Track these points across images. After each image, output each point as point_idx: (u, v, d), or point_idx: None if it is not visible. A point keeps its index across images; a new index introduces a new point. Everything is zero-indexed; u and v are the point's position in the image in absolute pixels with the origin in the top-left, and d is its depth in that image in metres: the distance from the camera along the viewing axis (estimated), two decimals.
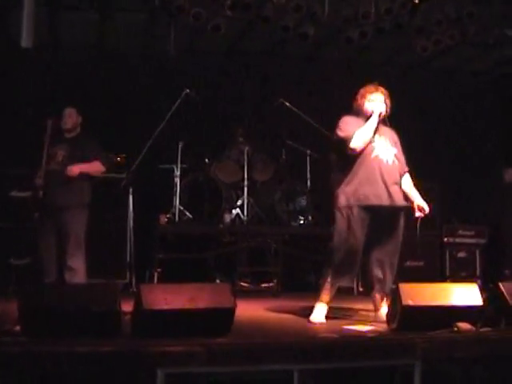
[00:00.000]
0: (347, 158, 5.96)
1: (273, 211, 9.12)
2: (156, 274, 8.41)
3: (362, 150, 5.91)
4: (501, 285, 5.55)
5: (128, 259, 8.63)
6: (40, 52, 8.88)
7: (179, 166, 8.93)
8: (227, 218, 8.95)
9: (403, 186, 6.14)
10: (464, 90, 11.13)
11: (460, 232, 9.81)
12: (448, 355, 4.74)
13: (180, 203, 8.85)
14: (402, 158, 6.18)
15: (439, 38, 8.83)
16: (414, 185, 6.29)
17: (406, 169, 6.24)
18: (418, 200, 6.18)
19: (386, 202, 5.89)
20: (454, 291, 5.39)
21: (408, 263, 9.43)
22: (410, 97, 10.81)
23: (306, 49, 9.97)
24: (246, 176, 9.04)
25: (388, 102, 6.13)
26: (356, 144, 5.87)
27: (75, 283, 6.53)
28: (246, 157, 9.08)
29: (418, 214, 6.16)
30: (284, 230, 9.10)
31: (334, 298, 6.25)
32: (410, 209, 6.12)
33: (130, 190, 8.71)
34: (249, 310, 6.63)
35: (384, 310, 5.95)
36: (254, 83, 10.10)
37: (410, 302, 5.18)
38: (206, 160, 9.24)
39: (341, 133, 5.99)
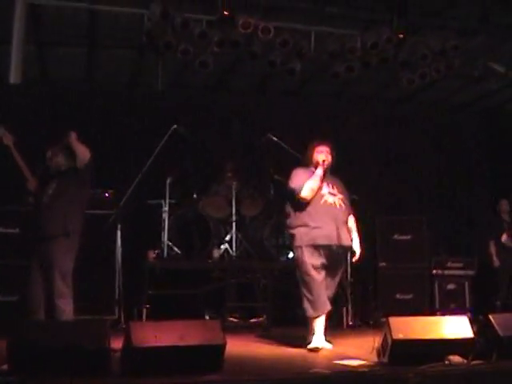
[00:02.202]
0: (300, 204, 6.72)
1: (262, 246, 9.10)
2: (145, 310, 8.35)
3: (313, 197, 6.66)
4: (491, 317, 5.55)
5: (117, 295, 8.57)
6: (28, 87, 8.90)
7: (167, 201, 8.92)
8: (216, 253, 8.93)
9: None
10: (450, 123, 11.22)
11: (449, 264, 9.83)
12: None
13: (168, 239, 8.82)
14: (347, 202, 6.93)
15: (425, 72, 8.88)
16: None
17: (351, 212, 7.01)
18: (355, 246, 6.91)
19: (334, 241, 6.61)
20: (445, 324, 5.39)
21: (397, 296, 9.46)
22: (396, 130, 10.91)
23: (293, 84, 10.03)
24: (234, 211, 9.04)
25: (333, 153, 6.92)
26: (305, 194, 6.66)
27: (64, 320, 6.44)
28: (235, 192, 9.07)
29: (354, 259, 6.94)
30: (273, 264, 9.07)
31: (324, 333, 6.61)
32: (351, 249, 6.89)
33: (119, 225, 8.67)
34: (239, 346, 6.60)
35: (318, 337, 6.52)
36: (242, 118, 10.15)
37: (401, 336, 5.18)
38: (195, 195, 9.23)
39: (292, 184, 6.78)
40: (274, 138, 8.68)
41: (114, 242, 8.66)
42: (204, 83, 10.05)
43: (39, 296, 6.74)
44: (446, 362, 5.05)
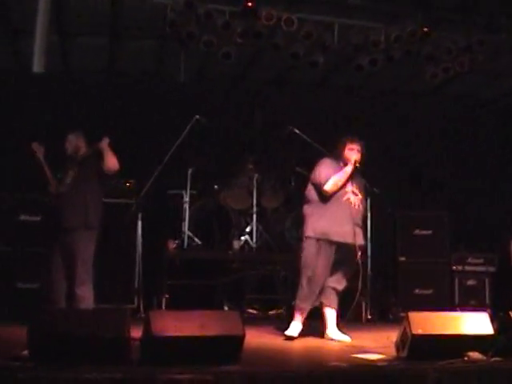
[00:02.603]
0: (322, 196, 6.82)
1: (282, 238, 9.08)
2: (164, 300, 8.38)
3: (335, 192, 6.74)
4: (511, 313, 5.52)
5: (136, 285, 8.60)
6: (51, 77, 8.93)
7: (188, 191, 8.93)
8: (236, 244, 8.93)
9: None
10: (473, 118, 11.14)
11: (469, 260, 9.76)
12: None
13: (189, 229, 8.84)
14: (364, 204, 7.16)
15: (449, 66, 8.84)
16: None
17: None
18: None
19: (350, 240, 6.70)
20: (465, 320, 5.36)
21: (417, 291, 9.41)
22: (418, 124, 10.85)
23: (315, 76, 10.00)
24: (255, 203, 9.03)
25: (363, 152, 6.93)
26: (329, 188, 6.75)
27: (84, 309, 6.48)
28: (256, 184, 9.07)
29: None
30: (293, 256, 9.04)
31: (342, 326, 6.86)
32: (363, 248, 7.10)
33: (139, 215, 8.70)
34: (257, 338, 6.61)
35: (331, 328, 6.79)
36: (264, 110, 10.13)
37: (420, 331, 5.16)
38: (216, 186, 9.23)
39: (317, 174, 6.88)
40: (296, 130, 8.66)
41: (135, 231, 8.70)
42: (226, 74, 10.04)
43: (61, 285, 6.80)
44: (466, 359, 5.02)
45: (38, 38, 7.60)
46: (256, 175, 9.12)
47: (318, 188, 6.82)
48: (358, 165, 6.80)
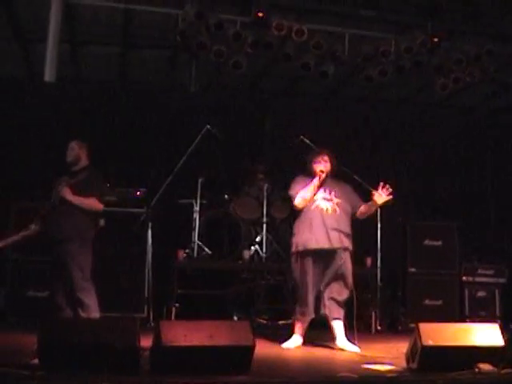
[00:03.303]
0: (297, 212, 7.14)
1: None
2: (174, 309, 8.38)
3: (306, 205, 7.00)
4: None
5: (146, 294, 8.60)
6: (63, 86, 8.98)
7: (199, 201, 8.95)
8: (246, 254, 8.92)
9: (362, 209, 7.14)
10: (483, 129, 11.12)
11: (479, 271, 9.72)
12: None
13: (199, 239, 8.85)
14: (347, 205, 7.10)
15: (459, 76, 8.83)
16: None
17: (360, 204, 7.16)
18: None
19: (325, 245, 6.87)
20: (475, 331, 5.34)
21: (427, 302, 9.38)
22: (427, 135, 10.84)
23: (325, 86, 10.01)
24: (265, 213, 9.03)
25: (333, 160, 7.19)
26: (298, 202, 7.04)
27: (94, 318, 6.48)
28: (266, 194, 9.08)
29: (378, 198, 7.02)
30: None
31: (352, 337, 6.84)
32: (348, 249, 7.01)
33: (150, 224, 8.70)
34: (267, 348, 6.61)
35: (340, 339, 6.83)
36: (275, 120, 10.15)
37: (431, 342, 5.14)
38: (226, 196, 9.25)
39: (290, 191, 7.18)
40: (306, 140, 8.66)
41: (145, 240, 8.69)
42: (237, 84, 10.06)
43: (62, 292, 6.77)
44: (476, 370, 5.00)
45: (50, 47, 7.65)
46: (266, 185, 9.13)
47: (291, 204, 7.20)
48: (322, 174, 7.01)
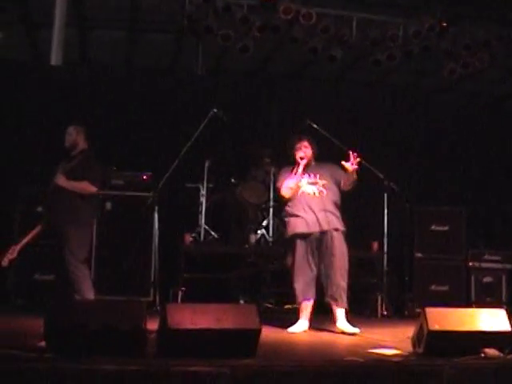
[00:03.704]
0: (285, 201, 7.21)
1: None
2: (180, 293, 8.39)
3: (293, 192, 7.07)
4: None
5: (152, 278, 8.62)
6: (69, 70, 8.97)
7: (205, 185, 8.95)
8: (252, 238, 8.92)
9: (345, 180, 7.07)
10: (491, 114, 11.08)
11: (486, 257, 9.70)
12: (475, 382, 4.67)
13: (205, 223, 8.85)
14: (334, 186, 7.12)
15: (467, 61, 8.80)
16: None
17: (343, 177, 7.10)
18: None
19: (314, 228, 6.94)
20: (482, 316, 5.33)
21: (433, 287, 9.38)
22: (435, 120, 10.80)
23: (333, 71, 9.98)
24: (271, 197, 9.03)
25: (313, 145, 7.24)
26: (284, 192, 7.13)
27: (100, 300, 6.50)
28: (272, 177, 9.06)
29: (347, 164, 6.89)
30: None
31: (358, 322, 6.90)
32: (339, 230, 7.00)
33: (156, 208, 8.70)
34: (273, 332, 6.61)
35: (340, 322, 6.82)
36: (281, 104, 10.13)
37: (437, 327, 5.13)
38: (232, 180, 9.24)
39: (277, 183, 7.41)
40: (313, 124, 8.64)
41: (152, 224, 8.69)
42: (244, 68, 10.04)
43: (61, 276, 6.81)
44: (482, 355, 4.99)
45: (56, 31, 7.66)
46: (273, 169, 9.10)
47: (279, 194, 7.33)
48: (303, 160, 7.07)
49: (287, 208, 7.16)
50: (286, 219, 7.17)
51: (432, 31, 8.39)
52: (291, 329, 6.88)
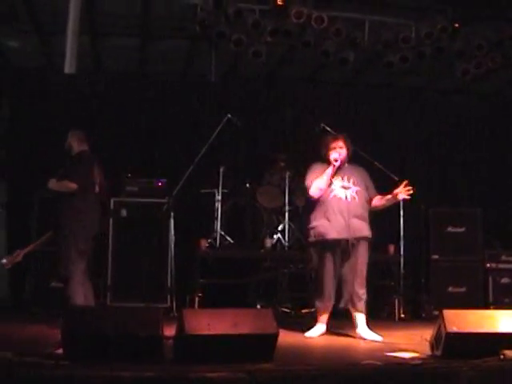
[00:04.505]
0: (313, 201, 6.98)
1: None
2: (197, 299, 8.40)
3: (323, 194, 6.86)
4: None
5: (169, 284, 8.63)
6: (83, 78, 9.01)
7: (220, 190, 8.95)
8: (268, 242, 8.92)
9: (376, 202, 7.04)
10: (505, 114, 11.03)
11: (503, 257, 9.64)
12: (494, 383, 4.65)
13: (221, 228, 8.85)
14: (365, 192, 6.98)
15: (480, 62, 8.77)
16: None
17: (374, 195, 7.06)
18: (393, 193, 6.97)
19: (344, 235, 6.75)
20: (500, 318, 5.30)
21: (450, 289, 9.34)
22: (449, 121, 10.78)
23: (346, 74, 9.97)
24: (287, 201, 9.02)
25: (349, 146, 7.02)
26: (313, 192, 6.91)
27: (118, 307, 6.54)
28: (288, 182, 9.05)
29: (401, 196, 6.91)
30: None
31: (375, 325, 6.90)
32: (368, 238, 6.91)
33: (172, 214, 8.72)
34: (290, 336, 6.61)
35: (361, 328, 6.75)
36: (295, 108, 10.13)
37: (455, 329, 5.12)
38: (247, 185, 9.24)
39: (306, 181, 7.05)
40: (327, 128, 8.63)
41: (167, 230, 8.72)
42: (257, 73, 10.04)
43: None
44: (501, 357, 4.97)
45: (70, 39, 7.68)
46: (288, 173, 9.10)
47: (306, 193, 7.07)
48: (336, 162, 6.86)
49: (316, 210, 6.93)
50: (314, 222, 6.92)
51: (444, 32, 8.36)
52: (309, 333, 6.85)
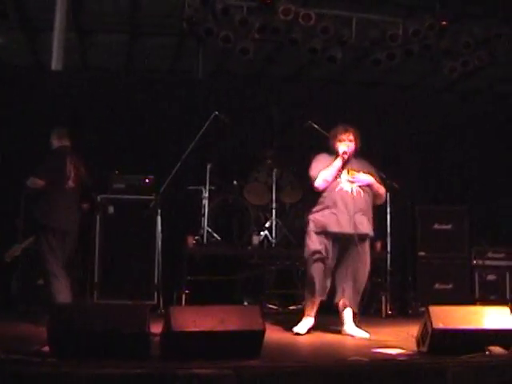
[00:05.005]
0: (315, 192, 6.79)
1: (301, 233, 9.06)
2: (184, 296, 8.39)
3: (329, 185, 6.68)
4: None
5: (156, 281, 8.62)
6: (70, 74, 8.98)
7: (208, 187, 8.94)
8: (255, 240, 8.92)
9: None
10: (491, 112, 11.06)
11: (489, 254, 9.68)
12: (480, 380, 4.66)
13: (208, 225, 8.84)
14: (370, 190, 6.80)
15: (467, 60, 8.81)
16: None
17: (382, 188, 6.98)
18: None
19: (348, 229, 6.56)
20: (486, 314, 5.32)
21: (437, 286, 9.36)
22: (436, 119, 10.79)
23: (333, 71, 9.99)
24: (274, 198, 9.02)
25: (358, 140, 6.85)
26: (319, 183, 6.71)
27: (104, 304, 6.55)
28: (275, 179, 9.05)
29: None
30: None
31: (362, 321, 6.84)
32: (369, 236, 6.81)
33: (159, 211, 8.71)
34: (277, 333, 6.62)
35: (348, 325, 6.68)
36: (283, 105, 10.13)
37: (441, 325, 5.13)
38: (235, 182, 9.24)
39: (311, 171, 6.82)
40: (315, 125, 8.64)
41: (155, 227, 8.70)
42: (244, 70, 10.04)
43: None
44: (487, 353, 4.99)
45: (57, 35, 7.68)
46: (275, 170, 9.11)
47: (311, 183, 6.81)
48: (345, 155, 6.69)
49: (320, 202, 6.72)
50: (316, 213, 6.72)
51: (431, 30, 8.39)
52: (297, 328, 6.69)
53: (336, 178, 6.69)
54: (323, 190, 6.71)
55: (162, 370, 4.34)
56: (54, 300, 6.72)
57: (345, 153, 6.70)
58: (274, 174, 9.07)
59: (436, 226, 9.51)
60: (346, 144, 6.76)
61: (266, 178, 9.24)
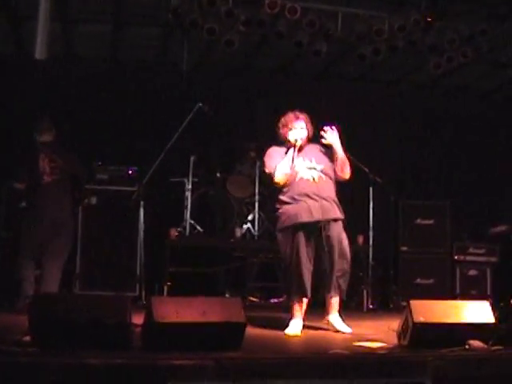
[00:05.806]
0: (277, 187, 6.50)
1: None
2: (166, 288, 8.39)
3: (289, 178, 6.38)
4: None
5: (138, 272, 8.61)
6: (54, 64, 8.92)
7: (190, 179, 8.94)
8: (238, 232, 8.94)
9: (337, 169, 6.50)
10: (475, 109, 11.11)
11: (471, 250, 9.76)
12: (459, 373, 4.70)
13: (191, 217, 8.85)
14: (330, 168, 6.49)
15: (452, 56, 8.83)
16: None
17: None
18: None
19: (316, 217, 6.26)
20: (466, 309, 5.35)
21: (418, 280, 9.43)
22: (421, 115, 10.84)
23: (318, 65, 9.98)
24: (257, 191, 9.03)
25: (309, 126, 6.56)
26: (279, 178, 6.40)
27: (86, 295, 6.57)
28: (258, 172, 9.05)
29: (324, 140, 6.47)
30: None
31: (343, 315, 6.65)
32: (341, 219, 6.47)
33: (141, 203, 8.69)
34: (259, 325, 6.60)
35: (333, 315, 6.50)
36: (267, 98, 10.13)
37: (422, 319, 5.15)
38: (218, 174, 9.24)
39: (266, 169, 6.58)
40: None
41: (137, 219, 8.70)
42: (229, 62, 10.02)
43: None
44: (467, 347, 5.01)
45: (41, 24, 7.59)
46: (258, 163, 9.10)
47: (270, 180, 6.54)
48: (297, 144, 6.38)
49: (283, 195, 6.43)
50: (282, 207, 6.42)
51: (417, 26, 8.41)
52: (288, 330, 6.35)
53: (293, 167, 6.39)
54: (284, 184, 6.43)
55: (143, 361, 4.34)
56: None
57: (296, 141, 6.41)
58: (257, 166, 9.07)
59: (418, 221, 9.57)
60: (297, 132, 6.48)
61: (250, 171, 9.25)
